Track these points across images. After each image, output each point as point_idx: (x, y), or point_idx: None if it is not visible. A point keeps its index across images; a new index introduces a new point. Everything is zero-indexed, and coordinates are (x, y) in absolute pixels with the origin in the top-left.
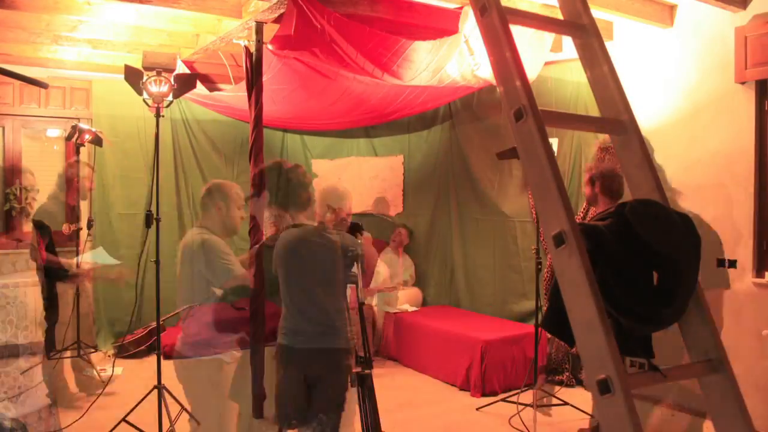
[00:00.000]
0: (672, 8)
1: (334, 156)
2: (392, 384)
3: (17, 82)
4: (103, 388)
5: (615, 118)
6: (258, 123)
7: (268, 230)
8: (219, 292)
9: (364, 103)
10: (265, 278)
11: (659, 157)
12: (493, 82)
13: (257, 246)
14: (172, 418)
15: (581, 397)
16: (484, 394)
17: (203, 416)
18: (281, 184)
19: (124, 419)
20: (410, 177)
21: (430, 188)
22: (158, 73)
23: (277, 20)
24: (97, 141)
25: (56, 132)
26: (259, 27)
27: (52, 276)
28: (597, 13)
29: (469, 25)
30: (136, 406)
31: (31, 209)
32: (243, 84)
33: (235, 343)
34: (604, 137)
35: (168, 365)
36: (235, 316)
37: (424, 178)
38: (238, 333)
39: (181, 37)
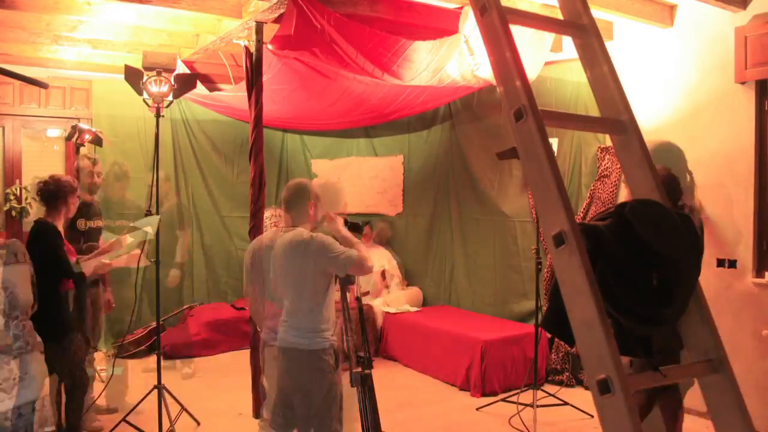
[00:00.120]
0: (672, 8)
1: (334, 156)
2: (392, 384)
3: (17, 82)
4: (103, 389)
5: (615, 118)
6: (258, 123)
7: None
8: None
9: (364, 103)
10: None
11: (659, 158)
12: (493, 82)
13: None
14: (172, 418)
15: (581, 397)
16: (484, 394)
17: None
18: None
19: (124, 419)
20: (410, 177)
21: (430, 188)
22: (158, 73)
23: (277, 20)
24: (97, 141)
25: (56, 132)
26: (259, 27)
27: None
28: (597, 13)
29: (469, 25)
30: (136, 406)
31: (31, 209)
32: (243, 84)
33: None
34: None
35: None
36: (235, 315)
37: (424, 178)
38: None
39: (181, 37)
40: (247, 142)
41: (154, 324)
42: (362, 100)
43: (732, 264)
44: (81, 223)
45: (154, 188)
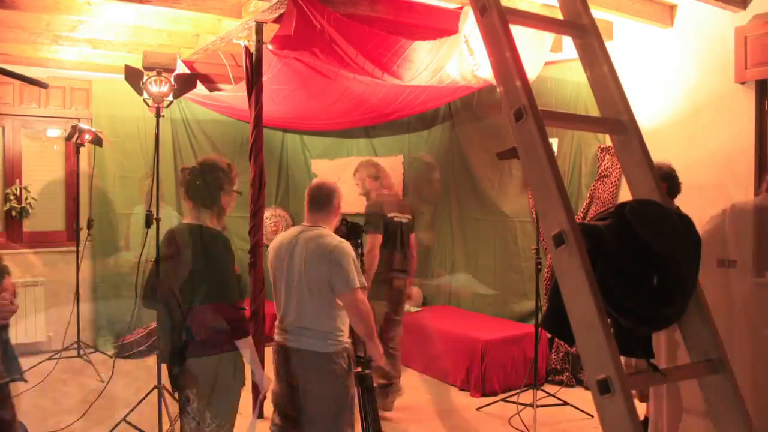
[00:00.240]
0: (672, 8)
1: (334, 156)
2: None
3: (17, 82)
4: (103, 389)
5: (615, 118)
6: (258, 123)
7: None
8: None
9: (364, 103)
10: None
11: (659, 157)
12: (493, 82)
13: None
14: (172, 418)
15: (581, 397)
16: (484, 394)
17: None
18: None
19: (124, 419)
20: (410, 177)
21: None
22: (158, 73)
23: (277, 20)
24: (97, 141)
25: (56, 132)
26: (259, 27)
27: None
28: (597, 13)
29: (469, 25)
30: (136, 406)
31: (32, 209)
32: (243, 84)
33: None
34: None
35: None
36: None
37: None
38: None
39: (181, 37)
40: (247, 142)
41: (154, 324)
42: (362, 100)
43: (732, 264)
44: None
45: (155, 188)
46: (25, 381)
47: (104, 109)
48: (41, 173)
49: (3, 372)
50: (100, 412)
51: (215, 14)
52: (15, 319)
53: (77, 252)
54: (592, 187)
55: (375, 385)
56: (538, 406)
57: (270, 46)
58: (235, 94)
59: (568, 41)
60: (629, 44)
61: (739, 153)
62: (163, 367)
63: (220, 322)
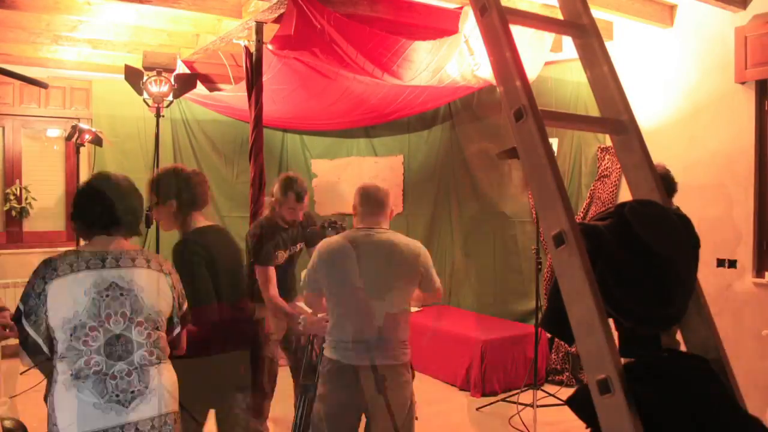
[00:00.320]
0: (672, 8)
1: (334, 156)
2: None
3: (17, 82)
4: None
5: (615, 118)
6: (258, 123)
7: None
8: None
9: (364, 103)
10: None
11: (659, 157)
12: (493, 82)
13: None
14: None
15: None
16: (484, 394)
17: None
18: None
19: None
20: (410, 177)
21: (430, 188)
22: (158, 73)
23: (277, 20)
24: (97, 141)
25: (56, 132)
26: (259, 27)
27: None
28: (597, 13)
29: (469, 25)
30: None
31: (31, 209)
32: (243, 84)
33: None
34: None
35: None
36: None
37: (424, 178)
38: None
39: (181, 37)
40: (247, 142)
41: None
42: (362, 100)
43: (732, 264)
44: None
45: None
46: None
47: (104, 109)
48: (41, 173)
49: None
50: None
51: (215, 14)
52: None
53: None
54: (592, 187)
55: None
56: (538, 406)
57: (270, 46)
58: (235, 94)
59: (568, 41)
60: (629, 44)
61: (739, 153)
62: None
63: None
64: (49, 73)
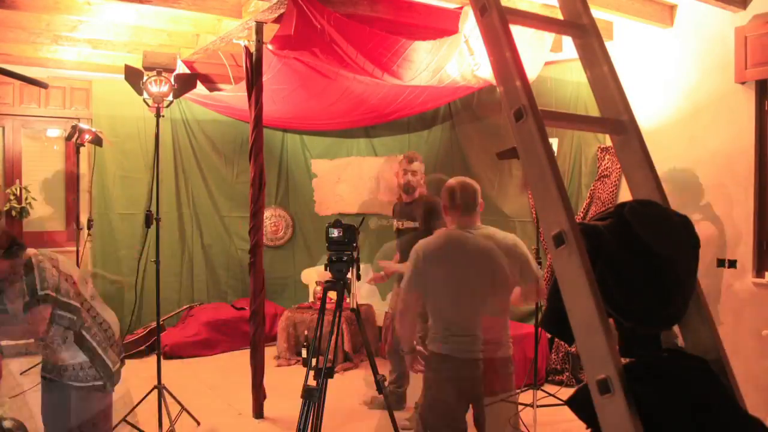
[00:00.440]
0: (672, 8)
1: (334, 156)
2: None
3: (17, 82)
4: None
5: (615, 118)
6: (258, 123)
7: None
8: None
9: (364, 103)
10: None
11: (659, 157)
12: (493, 82)
13: None
14: (172, 418)
15: None
16: None
17: None
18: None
19: (124, 419)
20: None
21: (430, 188)
22: (158, 73)
23: (277, 20)
24: (97, 141)
25: (56, 132)
26: (259, 27)
27: None
28: (597, 13)
29: (469, 25)
30: (136, 406)
31: (31, 209)
32: (243, 84)
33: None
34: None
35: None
36: (235, 315)
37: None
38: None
39: (181, 37)
40: (247, 142)
41: (154, 324)
42: (362, 100)
43: (732, 264)
44: None
45: (155, 188)
46: None
47: (104, 109)
48: (41, 173)
49: None
50: None
51: (215, 14)
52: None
53: (77, 252)
54: (592, 187)
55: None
56: (538, 406)
57: (270, 46)
58: (235, 94)
59: (568, 41)
60: (629, 44)
61: (739, 153)
62: (163, 366)
63: None
64: (49, 73)
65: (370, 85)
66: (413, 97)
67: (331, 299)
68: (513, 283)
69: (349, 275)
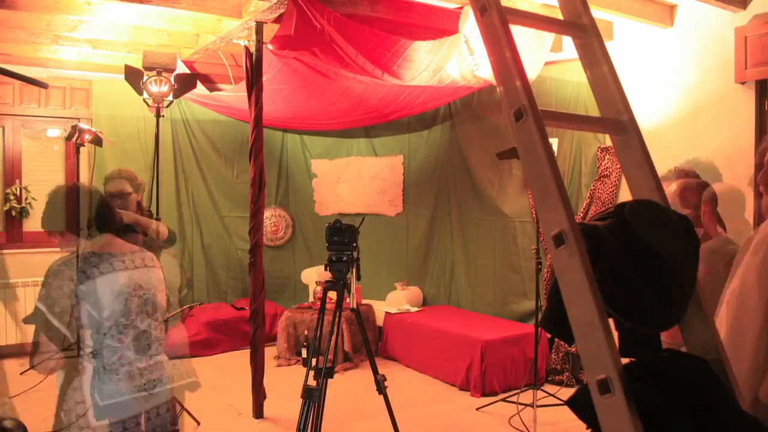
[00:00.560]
0: (672, 8)
1: (334, 156)
2: (392, 384)
3: (17, 82)
4: None
5: (615, 118)
6: (258, 123)
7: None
8: None
9: (364, 103)
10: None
11: (659, 157)
12: (493, 82)
13: None
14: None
15: None
16: (484, 394)
17: None
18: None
19: None
20: (410, 177)
21: (430, 188)
22: (158, 73)
23: (277, 20)
24: (97, 141)
25: (56, 132)
26: (259, 27)
27: None
28: (597, 13)
29: (469, 25)
30: None
31: (31, 209)
32: (243, 84)
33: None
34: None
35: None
36: (235, 315)
37: (424, 178)
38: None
39: (181, 37)
40: (247, 142)
41: None
42: (362, 100)
43: None
44: None
45: (155, 188)
46: None
47: (104, 109)
48: (41, 173)
49: None
50: None
51: (215, 14)
52: (15, 319)
53: (77, 252)
54: (592, 187)
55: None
56: (538, 406)
57: (270, 46)
58: (235, 94)
59: (568, 41)
60: (629, 44)
61: (739, 153)
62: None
63: None
64: (49, 73)
65: (370, 85)
66: (413, 97)
67: (331, 299)
68: None
69: (349, 275)
